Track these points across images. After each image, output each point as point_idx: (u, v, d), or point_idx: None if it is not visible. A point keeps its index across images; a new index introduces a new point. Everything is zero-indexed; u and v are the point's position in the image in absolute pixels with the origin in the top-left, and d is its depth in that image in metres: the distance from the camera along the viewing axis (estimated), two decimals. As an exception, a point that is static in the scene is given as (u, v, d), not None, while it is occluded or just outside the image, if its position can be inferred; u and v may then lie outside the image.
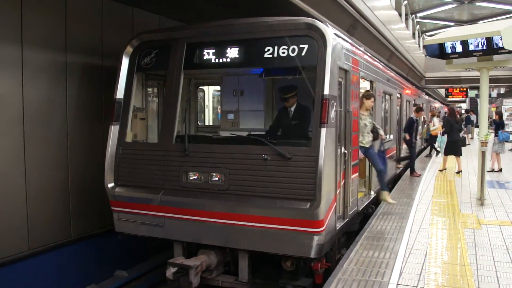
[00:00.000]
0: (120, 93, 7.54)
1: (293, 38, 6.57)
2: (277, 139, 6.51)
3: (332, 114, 6.31)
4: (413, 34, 32.68)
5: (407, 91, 16.25)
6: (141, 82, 8.26)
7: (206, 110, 12.45)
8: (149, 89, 8.74)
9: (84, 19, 8.05)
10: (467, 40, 10.13)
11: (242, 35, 6.88)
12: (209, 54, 7.20)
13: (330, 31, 6.49)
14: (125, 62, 7.73)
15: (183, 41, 7.35)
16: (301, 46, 6.53)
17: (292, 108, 7.85)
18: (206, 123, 11.88)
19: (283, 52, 6.70)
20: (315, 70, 6.38)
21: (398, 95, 13.83)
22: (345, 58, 7.20)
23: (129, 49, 7.85)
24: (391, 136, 12.55)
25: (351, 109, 7.56)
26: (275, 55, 6.71)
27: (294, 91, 7.80)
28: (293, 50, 6.58)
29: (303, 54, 6.53)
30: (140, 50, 7.73)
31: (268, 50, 6.82)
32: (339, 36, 6.94)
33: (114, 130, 7.31)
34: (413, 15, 34.81)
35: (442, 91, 43.79)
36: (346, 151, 7.22)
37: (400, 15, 23.86)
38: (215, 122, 12.05)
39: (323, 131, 6.07)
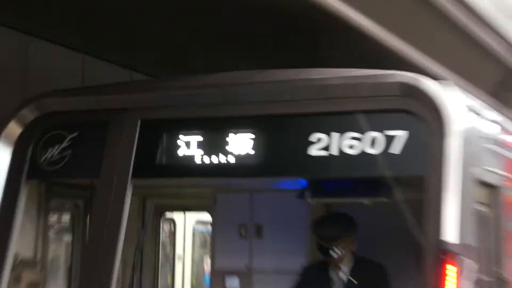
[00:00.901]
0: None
1: (375, 117, 4.98)
2: None
3: None
4: None
5: None
6: (36, 203, 6.57)
7: (177, 265, 10.45)
8: (53, 219, 7.34)
9: None
10: None
11: (262, 106, 5.31)
12: (188, 146, 5.47)
13: (455, 100, 4.88)
14: (1, 158, 5.97)
15: (134, 116, 5.62)
16: (390, 133, 4.87)
17: (344, 268, 6.23)
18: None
19: (351, 146, 4.97)
20: (419, 187, 4.73)
21: None
22: (491, 158, 5.41)
23: (14, 130, 6.00)
24: None
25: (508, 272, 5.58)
26: (335, 151, 5.02)
27: (350, 233, 6.25)
28: (374, 143, 4.90)
29: (394, 150, 4.84)
30: (38, 133, 5.99)
31: (320, 140, 5.06)
32: (475, 111, 5.30)
33: None
34: None
35: None
36: None
37: None
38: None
39: None
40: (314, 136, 5.12)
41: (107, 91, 6.17)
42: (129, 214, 5.69)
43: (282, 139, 5.39)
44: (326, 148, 5.10)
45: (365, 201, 5.90)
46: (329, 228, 6.37)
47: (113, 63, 8.60)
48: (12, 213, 5.95)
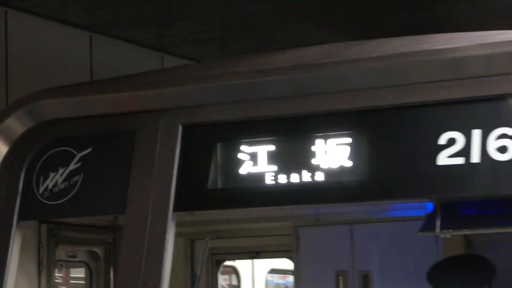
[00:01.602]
0: None
1: None
2: None
3: None
4: None
5: None
6: (34, 256, 5.84)
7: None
8: (59, 275, 8.04)
9: None
10: None
11: (365, 96, 4.52)
12: (254, 161, 4.65)
13: None
14: None
15: (173, 121, 4.88)
16: None
17: None
18: None
19: (503, 149, 4.17)
20: None
21: None
22: None
23: None
24: None
25: None
26: (476, 157, 4.20)
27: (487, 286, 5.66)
28: None
29: None
30: (34, 151, 5.19)
31: (454, 142, 4.26)
32: None
33: None
34: None
35: None
36: None
37: None
38: None
39: None
40: (445, 137, 4.26)
41: (131, 86, 5.25)
42: (172, 263, 4.84)
43: (397, 143, 4.49)
44: (464, 153, 4.24)
45: None
46: (456, 279, 5.74)
47: (138, 43, 8.65)
48: (0, 269, 5.19)
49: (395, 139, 4.55)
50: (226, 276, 10.07)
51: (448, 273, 5.83)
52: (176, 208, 4.74)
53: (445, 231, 5.30)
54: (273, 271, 10.33)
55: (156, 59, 9.72)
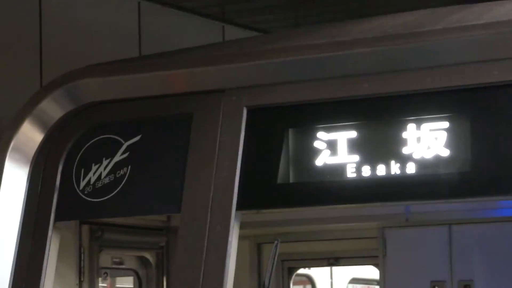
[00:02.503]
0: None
1: None
2: None
3: None
4: None
5: None
6: (74, 261, 6.17)
7: None
8: (104, 285, 7.46)
9: None
10: None
11: (468, 74, 4.22)
12: (333, 150, 4.39)
13: None
14: (10, 188, 4.94)
15: (236, 103, 4.65)
16: None
17: None
18: None
19: None
20: None
21: None
22: None
23: (30, 136, 4.87)
24: None
25: None
26: None
27: None
28: None
29: None
30: (74, 139, 4.93)
31: None
32: None
33: None
34: None
35: None
36: None
37: None
38: None
39: None
40: None
41: (186, 61, 4.90)
42: (236, 271, 4.53)
43: (506, 127, 4.04)
44: None
45: None
46: None
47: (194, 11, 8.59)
48: (35, 278, 4.85)
49: (502, 123, 4.16)
50: (300, 287, 9.94)
51: None
52: (240, 206, 4.47)
53: None
54: (355, 280, 10.25)
55: (216, 30, 9.48)
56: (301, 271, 9.04)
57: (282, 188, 4.54)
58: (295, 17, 9.66)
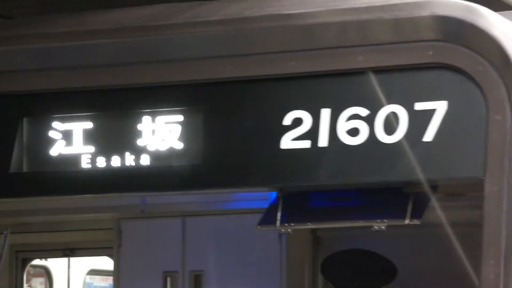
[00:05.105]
0: None
1: (401, 78, 4.25)
2: None
3: None
4: None
5: None
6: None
7: None
8: None
9: None
10: None
11: (199, 67, 4.48)
12: (68, 140, 4.71)
13: None
14: None
15: None
16: (422, 105, 4.18)
17: None
18: None
19: (354, 132, 4.24)
20: (475, 199, 4.47)
21: None
22: None
23: None
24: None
25: None
26: (324, 140, 4.29)
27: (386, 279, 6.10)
28: (392, 123, 4.17)
29: (428, 136, 4.08)
30: None
31: (299, 123, 4.36)
32: None
33: None
34: None
35: None
36: None
37: None
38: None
39: None
40: (290, 116, 4.21)
41: None
42: None
43: (236, 123, 4.43)
44: (309, 136, 4.19)
45: (379, 224, 4.77)
46: (359, 276, 5.97)
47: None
48: None
49: (234, 118, 4.49)
50: (43, 279, 9.73)
51: (344, 269, 5.97)
52: None
53: (286, 225, 4.96)
54: (93, 272, 10.12)
55: None
56: (38, 262, 8.98)
57: (14, 177, 4.58)
58: (42, 4, 9.61)
